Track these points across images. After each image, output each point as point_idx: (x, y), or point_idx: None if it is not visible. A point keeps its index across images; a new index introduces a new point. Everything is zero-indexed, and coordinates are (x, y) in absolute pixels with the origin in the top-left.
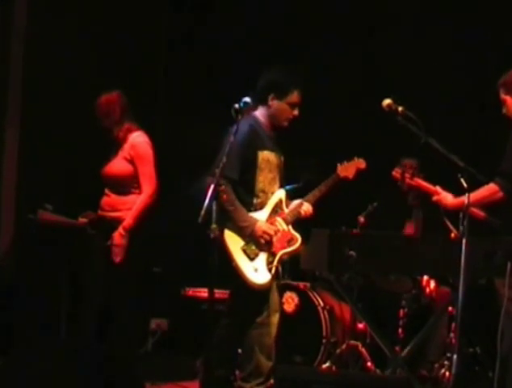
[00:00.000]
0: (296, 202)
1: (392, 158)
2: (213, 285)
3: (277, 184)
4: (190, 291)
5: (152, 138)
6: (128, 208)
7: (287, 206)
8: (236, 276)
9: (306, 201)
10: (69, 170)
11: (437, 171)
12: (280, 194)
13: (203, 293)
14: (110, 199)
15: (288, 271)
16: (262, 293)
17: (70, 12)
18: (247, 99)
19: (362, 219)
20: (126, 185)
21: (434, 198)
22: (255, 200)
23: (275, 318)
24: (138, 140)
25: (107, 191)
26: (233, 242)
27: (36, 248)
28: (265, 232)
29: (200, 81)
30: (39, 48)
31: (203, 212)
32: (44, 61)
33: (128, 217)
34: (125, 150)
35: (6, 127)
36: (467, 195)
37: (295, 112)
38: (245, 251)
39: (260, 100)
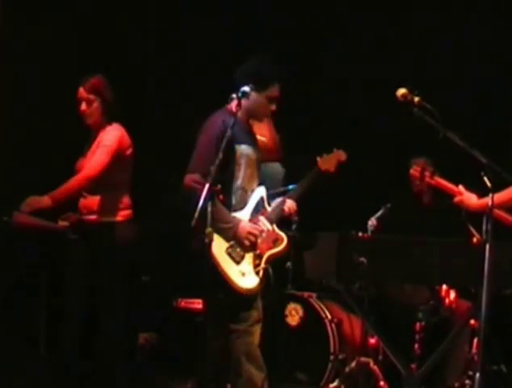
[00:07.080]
0: (279, 200)
1: (406, 156)
2: (208, 296)
3: (256, 181)
4: (183, 302)
5: (142, 136)
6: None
7: (268, 204)
8: (223, 282)
9: (288, 198)
10: (47, 169)
11: (453, 171)
12: (261, 191)
13: (197, 304)
14: (86, 200)
15: (292, 280)
16: (247, 298)
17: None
18: (246, 89)
19: (374, 222)
20: (99, 182)
21: (456, 199)
22: (234, 199)
23: (258, 328)
24: (112, 132)
25: (82, 191)
26: (217, 246)
27: (11, 254)
28: (250, 232)
29: (191, 76)
30: (12, 37)
31: (196, 214)
32: (16, 55)
33: (55, 192)
34: (97, 143)
35: None
36: (490, 195)
37: (273, 107)
38: (230, 254)
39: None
